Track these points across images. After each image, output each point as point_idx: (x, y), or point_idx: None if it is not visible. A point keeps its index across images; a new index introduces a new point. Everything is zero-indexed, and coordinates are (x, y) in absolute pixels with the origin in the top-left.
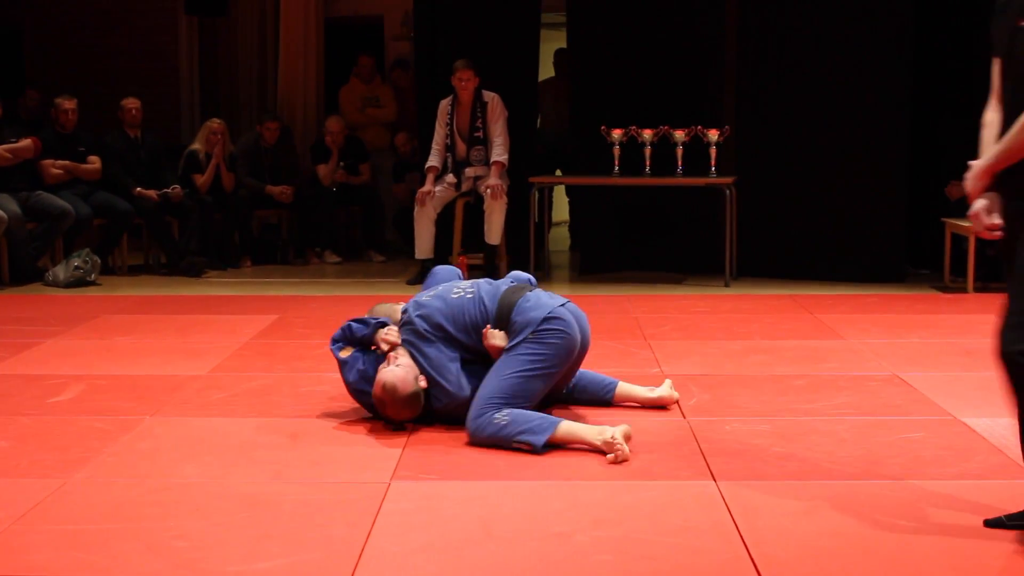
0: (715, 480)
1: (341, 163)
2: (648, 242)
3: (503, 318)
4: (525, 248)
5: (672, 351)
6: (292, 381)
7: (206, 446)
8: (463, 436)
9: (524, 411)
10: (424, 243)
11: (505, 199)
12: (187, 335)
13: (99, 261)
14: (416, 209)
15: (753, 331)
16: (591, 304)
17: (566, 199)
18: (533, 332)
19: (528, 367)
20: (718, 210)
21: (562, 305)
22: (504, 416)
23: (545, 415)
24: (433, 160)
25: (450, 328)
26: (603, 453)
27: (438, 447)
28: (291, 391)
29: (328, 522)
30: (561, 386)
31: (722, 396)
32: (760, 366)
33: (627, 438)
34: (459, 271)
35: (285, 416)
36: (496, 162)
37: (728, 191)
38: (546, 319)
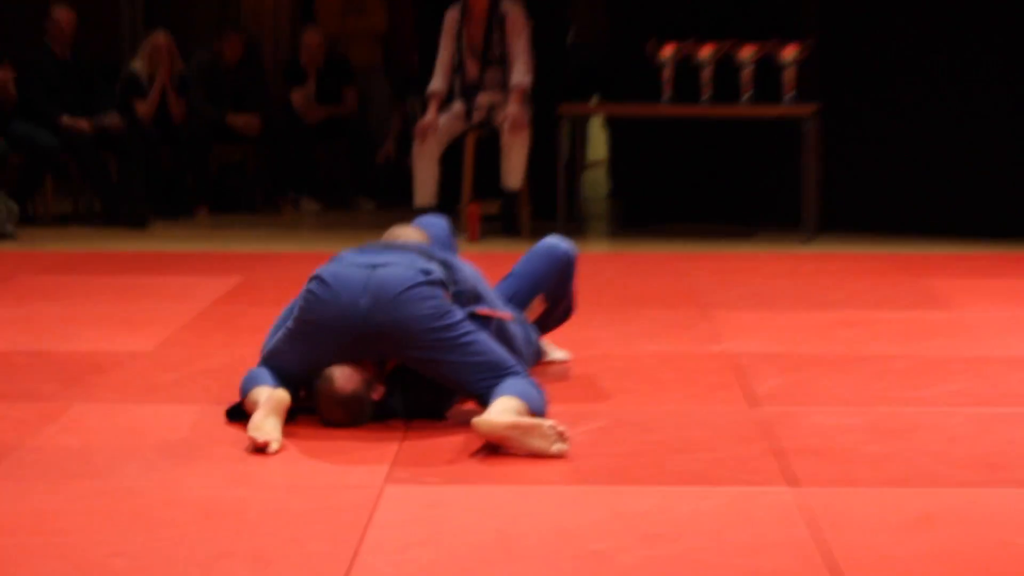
0: (793, 486)
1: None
2: (708, 187)
3: None
4: (552, 194)
5: (738, 324)
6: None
7: (151, 440)
8: (470, 430)
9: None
10: (425, 188)
11: (528, 133)
12: (127, 301)
13: (16, 208)
14: (415, 145)
15: (841, 299)
16: (636, 265)
17: (604, 133)
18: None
19: (285, 331)
20: (796, 147)
21: (358, 266)
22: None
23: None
24: (437, 84)
25: None
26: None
27: (443, 442)
28: None
29: (305, 536)
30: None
31: (802, 381)
32: (850, 343)
33: None
34: (445, 223)
35: None
36: (517, 86)
37: (809, 123)
38: (310, 279)
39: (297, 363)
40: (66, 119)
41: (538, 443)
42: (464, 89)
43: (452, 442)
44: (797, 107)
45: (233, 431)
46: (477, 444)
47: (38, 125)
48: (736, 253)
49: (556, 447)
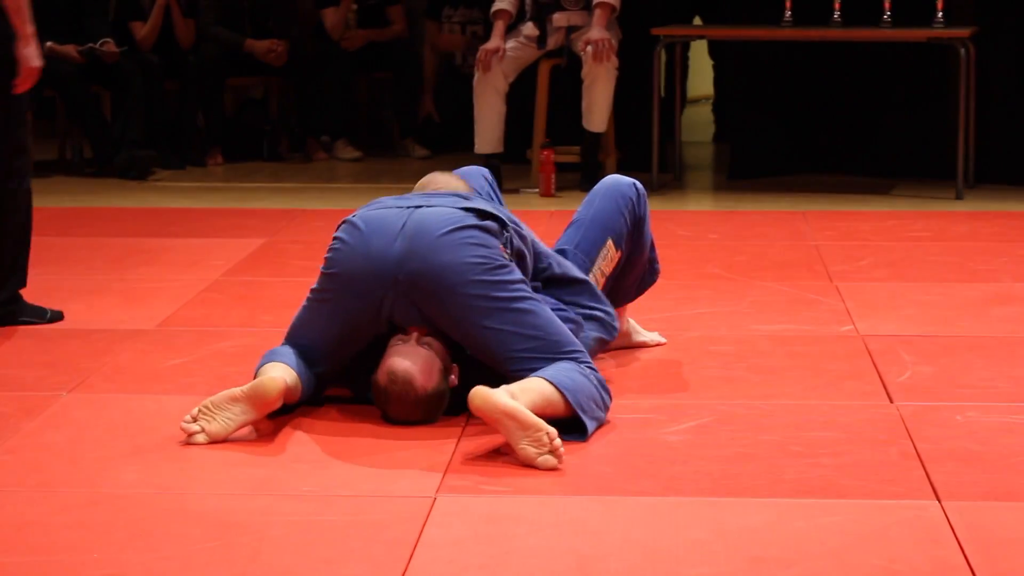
0: (939, 499)
1: (354, 6)
2: (835, 130)
3: None
4: (645, 138)
5: (872, 298)
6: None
7: (154, 439)
8: None
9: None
10: (488, 130)
11: (615, 62)
12: (124, 269)
13: None
14: (477, 76)
15: (1000, 268)
16: (745, 225)
17: (709, 63)
18: None
19: (310, 294)
20: (947, 80)
21: (397, 207)
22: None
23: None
24: (502, 1)
25: None
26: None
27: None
28: None
29: (341, 557)
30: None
31: (951, 369)
32: (1010, 323)
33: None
34: (487, 174)
35: None
36: (601, 4)
37: (963, 49)
38: (339, 225)
39: (322, 335)
40: (50, 45)
41: (526, 446)
42: (536, 8)
43: None
44: (948, 31)
45: (253, 427)
46: None
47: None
48: (870, 211)
49: (542, 459)
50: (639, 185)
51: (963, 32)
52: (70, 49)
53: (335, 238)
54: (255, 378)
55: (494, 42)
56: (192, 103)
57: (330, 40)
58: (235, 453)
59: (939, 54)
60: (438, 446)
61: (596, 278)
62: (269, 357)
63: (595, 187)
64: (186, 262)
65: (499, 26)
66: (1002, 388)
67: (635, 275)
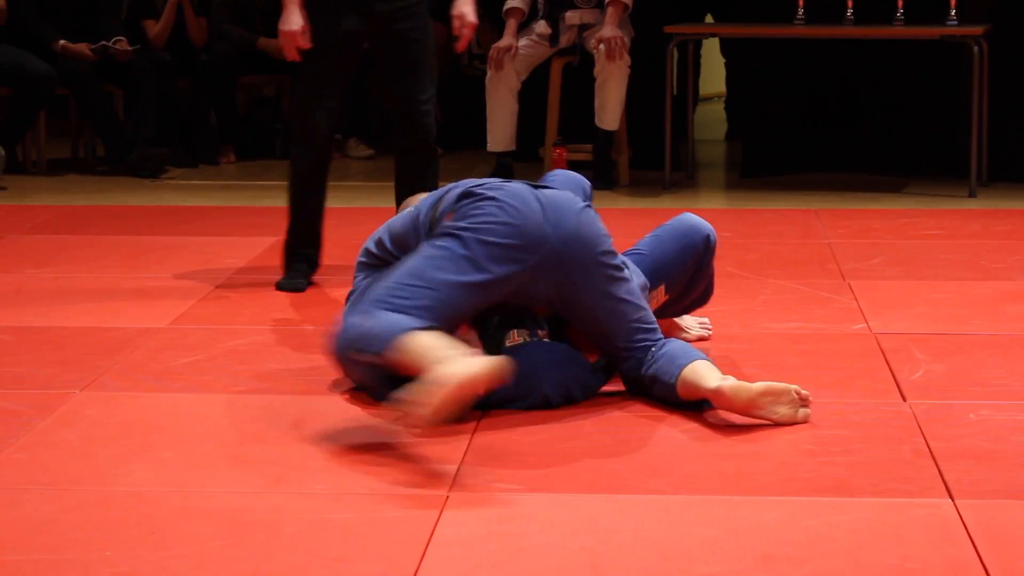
0: (952, 497)
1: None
2: (847, 128)
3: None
4: (658, 136)
5: (885, 296)
6: (298, 338)
7: (166, 436)
8: (556, 425)
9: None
10: (501, 128)
11: (627, 60)
12: (137, 267)
13: (3, 153)
14: (489, 74)
15: (1013, 266)
16: (758, 223)
17: (721, 61)
18: (452, 211)
19: (432, 252)
20: (961, 78)
21: (503, 184)
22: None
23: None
24: None
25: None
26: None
27: (519, 440)
28: (296, 354)
29: (353, 555)
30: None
31: (964, 367)
32: (1023, 321)
33: None
34: (584, 180)
35: (286, 391)
36: (614, 2)
37: (977, 47)
38: (465, 194)
39: (471, 307)
40: (63, 44)
41: (785, 410)
42: (548, 6)
43: (529, 442)
44: (962, 28)
45: (264, 426)
46: (558, 447)
47: (30, 51)
48: (883, 209)
49: (802, 412)
50: (713, 236)
51: (976, 30)
52: (83, 48)
53: (487, 201)
54: (381, 348)
55: (506, 40)
56: (205, 101)
57: None
58: (247, 451)
59: (952, 52)
60: (450, 444)
61: None
62: (397, 323)
63: (671, 222)
64: (198, 260)
65: (511, 24)
66: (1015, 386)
67: (686, 303)
